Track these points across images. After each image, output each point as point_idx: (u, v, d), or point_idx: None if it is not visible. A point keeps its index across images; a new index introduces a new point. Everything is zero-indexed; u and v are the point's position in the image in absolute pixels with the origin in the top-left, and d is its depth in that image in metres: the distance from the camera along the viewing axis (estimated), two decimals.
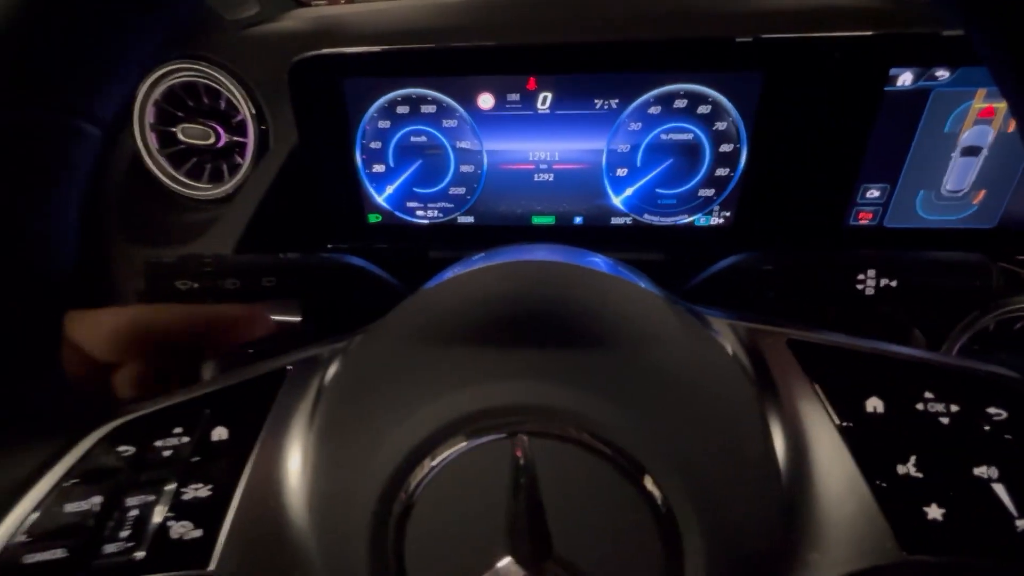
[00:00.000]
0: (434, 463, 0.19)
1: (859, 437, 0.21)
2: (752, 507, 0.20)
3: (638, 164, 0.47)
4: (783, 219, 0.47)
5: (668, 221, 0.49)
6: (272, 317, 0.38)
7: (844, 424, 0.21)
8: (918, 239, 0.47)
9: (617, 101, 0.45)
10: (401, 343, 0.22)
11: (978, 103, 0.42)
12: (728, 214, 0.48)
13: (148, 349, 0.33)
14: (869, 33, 0.41)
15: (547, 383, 0.19)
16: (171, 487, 0.21)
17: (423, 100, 0.46)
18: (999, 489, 0.19)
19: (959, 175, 0.45)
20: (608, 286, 0.23)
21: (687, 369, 0.21)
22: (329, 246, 0.52)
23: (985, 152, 0.44)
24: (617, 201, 0.48)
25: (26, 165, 0.19)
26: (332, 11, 0.55)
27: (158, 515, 0.21)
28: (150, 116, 0.55)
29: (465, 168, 0.48)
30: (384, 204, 0.50)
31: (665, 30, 0.48)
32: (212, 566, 0.21)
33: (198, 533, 0.21)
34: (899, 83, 0.42)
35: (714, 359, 0.22)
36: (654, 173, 0.47)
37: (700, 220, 0.48)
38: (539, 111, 0.45)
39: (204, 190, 0.57)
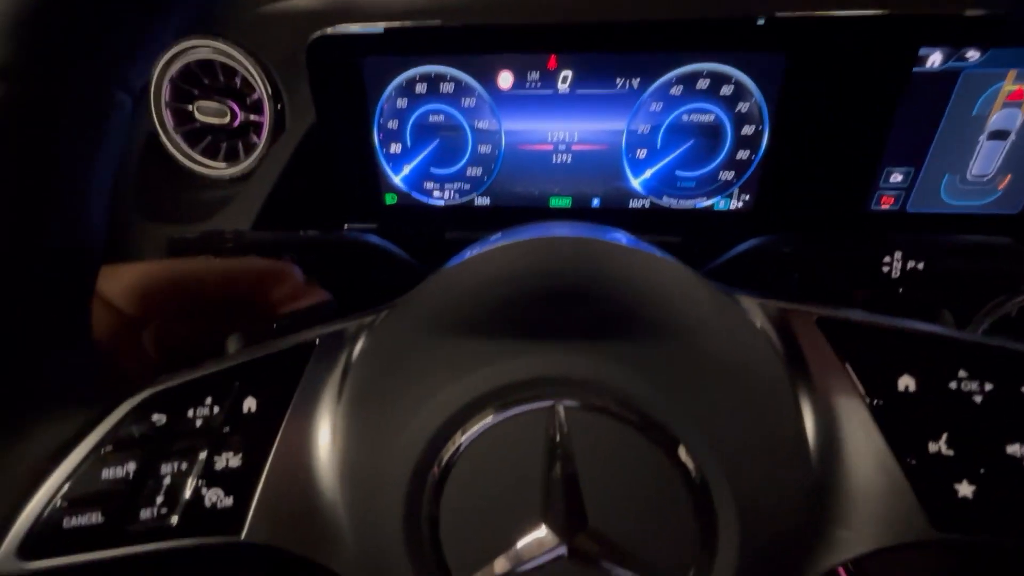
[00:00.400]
0: (467, 435, 0.19)
1: (890, 415, 0.21)
2: (783, 483, 0.20)
3: (658, 146, 0.46)
4: (803, 204, 0.47)
5: (687, 204, 0.48)
6: (301, 274, 0.38)
7: (875, 402, 0.21)
8: (941, 224, 0.46)
9: (639, 81, 0.44)
10: (432, 318, 0.22)
11: (1009, 85, 0.41)
12: (747, 197, 0.47)
13: (178, 304, 0.33)
14: (899, 13, 0.40)
15: (583, 356, 0.19)
16: (203, 456, 0.22)
17: (442, 78, 0.46)
18: None
19: (985, 159, 0.44)
20: (639, 261, 0.23)
21: (719, 344, 0.21)
22: (346, 226, 0.52)
23: (1013, 137, 0.43)
24: (636, 183, 0.48)
25: (70, 134, 0.19)
26: None
27: (191, 483, 0.21)
28: (166, 94, 0.54)
29: (483, 148, 0.48)
30: (400, 185, 0.50)
31: (688, 9, 0.47)
32: (242, 534, 0.21)
33: (229, 501, 0.21)
34: (928, 64, 0.41)
35: (745, 336, 0.22)
36: (674, 155, 0.46)
37: (719, 204, 0.48)
38: (559, 90, 0.45)
39: (220, 169, 0.56)
